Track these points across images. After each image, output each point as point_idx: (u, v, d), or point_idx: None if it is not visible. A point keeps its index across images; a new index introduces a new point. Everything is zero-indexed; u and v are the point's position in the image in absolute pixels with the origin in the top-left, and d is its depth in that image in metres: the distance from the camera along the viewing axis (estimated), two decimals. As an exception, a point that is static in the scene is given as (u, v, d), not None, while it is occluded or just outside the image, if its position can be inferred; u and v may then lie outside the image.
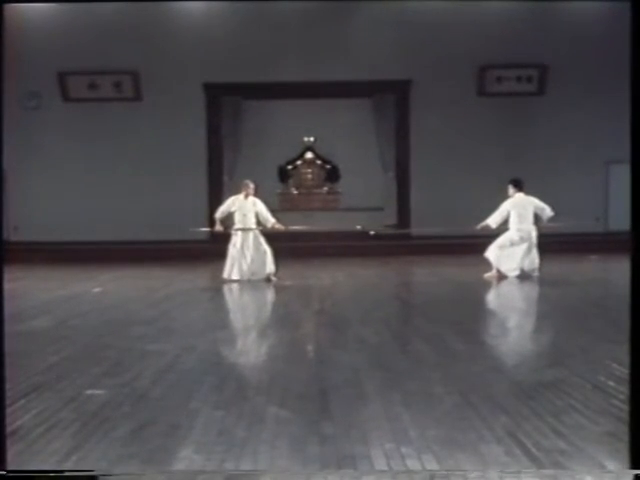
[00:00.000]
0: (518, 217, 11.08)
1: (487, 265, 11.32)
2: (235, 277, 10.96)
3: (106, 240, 15.60)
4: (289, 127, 16.71)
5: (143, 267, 13.41)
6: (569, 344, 6.30)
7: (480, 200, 15.76)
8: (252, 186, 11.34)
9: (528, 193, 11.21)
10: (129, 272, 12.89)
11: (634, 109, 2.89)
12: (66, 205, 16.10)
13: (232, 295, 10.42)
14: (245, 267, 10.98)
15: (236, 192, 16.87)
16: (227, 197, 16.80)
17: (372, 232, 11.11)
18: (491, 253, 11.05)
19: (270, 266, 11.00)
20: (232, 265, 11.01)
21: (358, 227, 11.04)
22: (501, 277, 10.94)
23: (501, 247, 11.03)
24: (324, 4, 15.70)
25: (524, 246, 10.98)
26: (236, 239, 11.07)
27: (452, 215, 15.79)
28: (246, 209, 11.17)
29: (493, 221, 11.12)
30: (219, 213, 11.30)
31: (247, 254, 11.00)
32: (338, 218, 16.95)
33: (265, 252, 11.00)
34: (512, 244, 11.02)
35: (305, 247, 15.15)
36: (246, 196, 11.26)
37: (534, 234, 11.05)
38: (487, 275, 10.99)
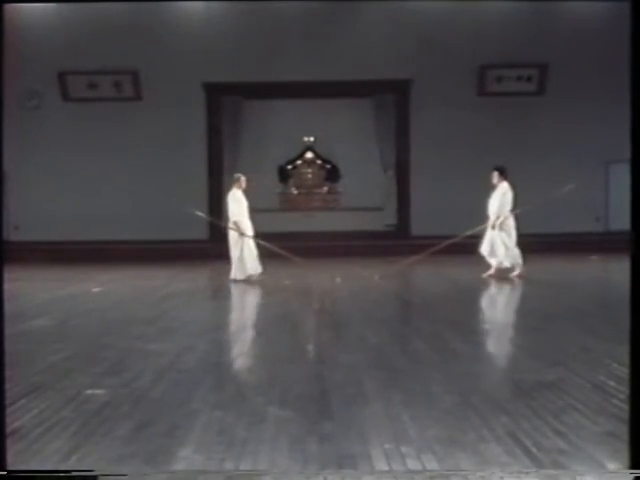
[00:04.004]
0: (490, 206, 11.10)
1: (485, 264, 11.32)
2: (250, 273, 10.92)
3: (106, 240, 15.59)
4: (289, 127, 16.72)
5: (143, 267, 13.41)
6: (569, 344, 6.30)
7: (480, 200, 15.86)
8: (244, 179, 11.26)
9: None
10: (129, 272, 12.89)
11: (634, 109, 2.89)
12: (66, 205, 16.09)
13: (232, 295, 10.43)
14: (251, 265, 10.94)
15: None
16: (227, 197, 16.98)
17: (377, 277, 11.15)
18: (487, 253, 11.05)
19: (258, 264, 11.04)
20: (247, 263, 10.91)
21: (376, 277, 11.13)
22: (501, 275, 10.91)
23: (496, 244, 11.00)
24: (324, 4, 15.70)
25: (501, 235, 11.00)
26: (243, 238, 10.89)
27: (452, 215, 15.81)
28: (245, 205, 11.09)
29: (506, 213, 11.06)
30: (237, 215, 10.89)
31: (253, 251, 10.97)
32: (338, 218, 16.97)
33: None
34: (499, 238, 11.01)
35: (305, 247, 15.15)
36: (242, 190, 11.12)
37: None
38: (486, 274, 10.98)
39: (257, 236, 11.17)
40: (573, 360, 5.59)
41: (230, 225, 10.97)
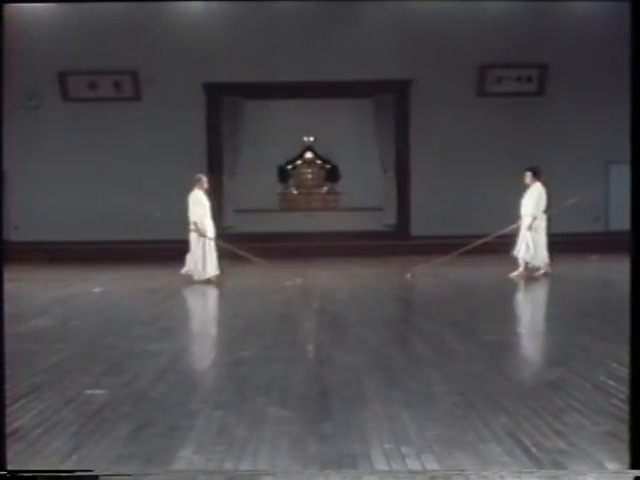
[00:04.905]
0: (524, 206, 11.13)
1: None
2: (210, 275, 10.95)
3: (106, 240, 15.59)
4: (289, 127, 16.71)
5: (143, 267, 13.40)
6: (569, 344, 6.30)
7: (480, 200, 15.89)
8: (205, 179, 11.25)
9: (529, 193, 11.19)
10: (129, 272, 12.89)
11: (634, 109, 2.89)
12: (66, 205, 16.08)
13: (232, 295, 10.42)
14: (211, 266, 10.98)
15: (236, 192, 17.02)
16: (227, 197, 17.00)
17: (409, 275, 11.24)
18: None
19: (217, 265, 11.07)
20: (207, 264, 10.95)
21: (408, 275, 11.22)
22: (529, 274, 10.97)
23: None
24: (324, 4, 15.69)
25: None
26: (203, 239, 10.93)
27: (452, 215, 15.83)
28: (207, 206, 11.08)
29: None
30: (198, 216, 10.90)
31: (213, 253, 11.03)
32: (338, 218, 16.98)
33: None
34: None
35: (305, 247, 15.15)
36: (204, 191, 11.12)
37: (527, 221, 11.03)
38: (537, 274, 11.00)
39: (218, 237, 11.25)
40: (573, 360, 5.59)
41: (190, 226, 10.97)
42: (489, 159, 16.21)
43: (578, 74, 15.81)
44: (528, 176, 11.17)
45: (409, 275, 11.25)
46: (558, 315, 8.15)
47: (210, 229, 11.06)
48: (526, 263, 10.99)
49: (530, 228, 10.91)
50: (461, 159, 16.20)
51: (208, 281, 10.89)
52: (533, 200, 10.98)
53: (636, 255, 2.88)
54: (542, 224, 11.06)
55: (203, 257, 10.91)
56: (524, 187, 11.20)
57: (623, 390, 4.28)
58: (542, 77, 16.51)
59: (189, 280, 10.87)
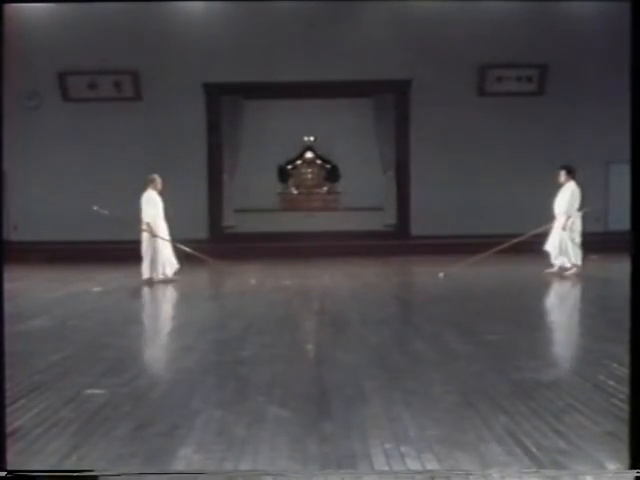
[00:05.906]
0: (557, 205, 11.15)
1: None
2: (166, 274, 11.06)
3: (106, 240, 15.58)
4: (289, 127, 16.71)
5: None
6: (569, 343, 6.30)
7: (480, 200, 15.90)
8: (159, 180, 11.24)
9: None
10: (129, 272, 12.86)
11: (634, 109, 2.89)
12: (66, 205, 16.06)
13: (231, 295, 10.42)
14: (167, 265, 11.08)
15: (236, 192, 17.01)
16: (227, 197, 17.01)
17: (441, 275, 11.15)
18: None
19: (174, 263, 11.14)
20: (162, 264, 11.03)
21: (441, 275, 11.13)
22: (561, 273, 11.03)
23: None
24: (324, 4, 15.69)
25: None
26: (156, 239, 11.00)
27: (452, 215, 15.84)
28: (160, 206, 11.14)
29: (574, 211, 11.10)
30: (150, 217, 11.00)
31: (167, 252, 11.11)
32: (338, 218, 16.98)
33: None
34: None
35: (305, 247, 15.16)
36: (158, 191, 11.14)
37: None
38: (548, 271, 11.05)
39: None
40: (573, 360, 5.59)
41: (143, 227, 11.00)
42: (489, 159, 16.21)
43: (578, 74, 15.80)
44: (562, 175, 11.21)
45: (441, 274, 11.19)
46: (558, 314, 8.14)
47: (163, 229, 11.13)
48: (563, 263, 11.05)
49: (564, 228, 10.94)
50: (461, 159, 16.20)
51: (165, 280, 10.95)
52: (567, 199, 11.02)
53: (636, 255, 2.88)
54: (577, 222, 11.10)
55: (160, 257, 10.99)
56: (558, 186, 11.23)
57: (623, 390, 4.27)
58: (542, 77, 16.51)
59: (154, 281, 10.94)
